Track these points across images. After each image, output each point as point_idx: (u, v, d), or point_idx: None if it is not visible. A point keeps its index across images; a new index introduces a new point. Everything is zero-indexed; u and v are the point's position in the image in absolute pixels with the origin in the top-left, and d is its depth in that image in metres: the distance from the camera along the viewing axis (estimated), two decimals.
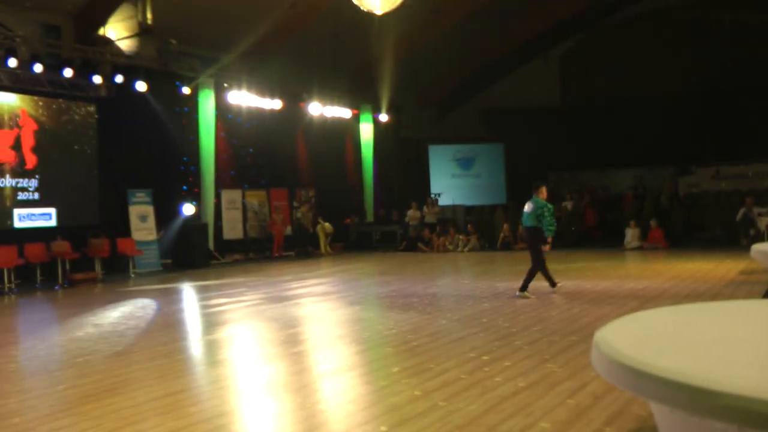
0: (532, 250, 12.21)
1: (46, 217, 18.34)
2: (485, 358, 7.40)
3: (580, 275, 15.01)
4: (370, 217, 28.21)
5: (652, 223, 21.55)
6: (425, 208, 25.68)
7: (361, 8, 13.69)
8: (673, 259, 17.82)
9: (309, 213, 24.46)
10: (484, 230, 24.22)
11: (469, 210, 27.66)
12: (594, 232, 25.30)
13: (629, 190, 27.39)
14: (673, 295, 11.63)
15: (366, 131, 28.80)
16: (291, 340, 9.12)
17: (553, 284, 12.23)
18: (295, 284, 15.73)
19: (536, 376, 6.58)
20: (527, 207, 12.12)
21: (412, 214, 25.50)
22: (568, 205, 24.28)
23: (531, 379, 6.45)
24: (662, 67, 28.95)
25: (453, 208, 27.56)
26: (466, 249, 23.36)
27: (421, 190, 29.20)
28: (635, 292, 12.14)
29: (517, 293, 11.91)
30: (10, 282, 16.48)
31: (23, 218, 17.90)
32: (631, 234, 21.68)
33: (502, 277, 15.47)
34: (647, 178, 29.57)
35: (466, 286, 14.25)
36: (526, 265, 16.69)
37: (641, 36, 29.60)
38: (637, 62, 29.49)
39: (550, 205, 12.03)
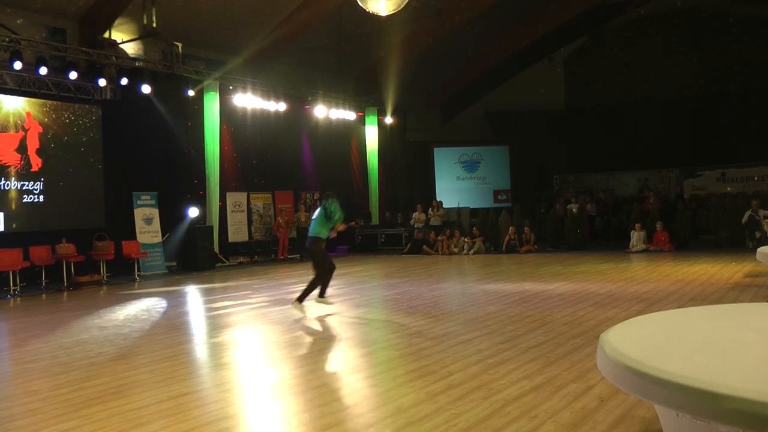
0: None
1: None
2: (490, 360, 7.39)
3: (585, 278, 14.99)
4: (375, 220, 28.20)
5: (658, 225, 21.51)
6: (430, 211, 25.68)
7: (366, 10, 13.70)
8: (678, 261, 17.80)
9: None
10: (489, 233, 24.20)
11: (474, 213, 27.66)
12: (598, 235, 25.30)
13: (648, 192, 27.18)
14: (679, 297, 11.60)
15: (371, 134, 28.77)
16: (296, 342, 9.12)
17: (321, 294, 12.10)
18: (300, 287, 15.63)
19: (541, 379, 6.57)
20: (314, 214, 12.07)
21: (417, 216, 25.52)
22: (573, 208, 24.25)
23: (536, 382, 6.44)
24: (667, 69, 28.93)
25: (458, 210, 27.55)
26: (471, 252, 23.35)
27: (426, 193, 29.20)
28: (640, 294, 12.11)
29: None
30: (15, 284, 16.50)
31: None
32: (636, 236, 21.66)
33: (508, 280, 15.44)
34: (652, 181, 29.48)
35: (471, 288, 14.23)
36: (532, 267, 16.72)
37: (646, 38, 29.57)
38: (641, 64, 29.48)
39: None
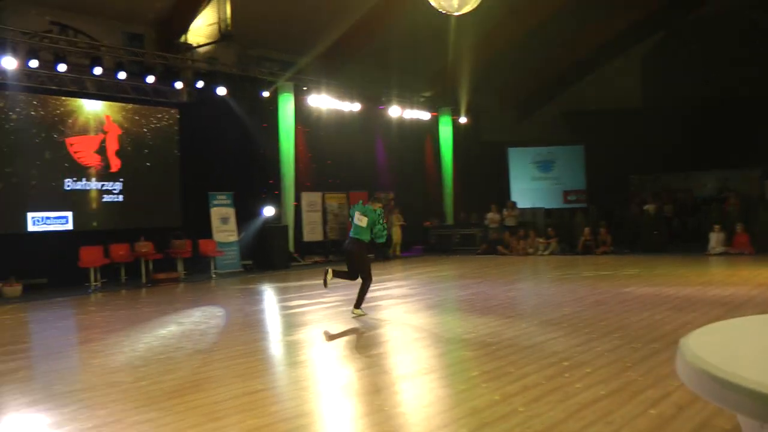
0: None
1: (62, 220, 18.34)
2: (566, 363, 7.29)
3: (663, 281, 14.68)
4: (449, 220, 28.12)
5: (738, 227, 20.92)
6: (505, 211, 25.50)
7: (439, 10, 13.65)
8: (760, 265, 17.23)
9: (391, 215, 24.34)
10: (564, 234, 23.93)
11: (548, 213, 27.38)
12: (675, 236, 24.82)
13: (728, 193, 26.46)
14: (761, 302, 11.27)
15: (445, 134, 28.69)
16: (370, 342, 9.14)
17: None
18: (374, 286, 15.68)
19: (618, 383, 6.44)
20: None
21: (491, 216, 25.36)
22: (650, 209, 23.82)
23: (612, 387, 6.32)
24: (748, 65, 28.15)
25: (533, 211, 27.30)
26: (547, 252, 23.12)
27: (500, 193, 28.99)
28: (720, 299, 11.80)
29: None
30: (96, 280, 16.97)
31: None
32: (716, 239, 21.08)
33: (583, 281, 15.24)
34: (732, 181, 28.75)
35: (547, 290, 14.11)
36: (607, 269, 16.50)
37: (726, 32, 28.79)
38: (722, 60, 28.69)
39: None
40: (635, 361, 7.30)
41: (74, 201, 18.22)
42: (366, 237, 11.40)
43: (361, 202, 11.85)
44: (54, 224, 17.78)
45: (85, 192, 18.41)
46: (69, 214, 18.11)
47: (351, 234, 11.52)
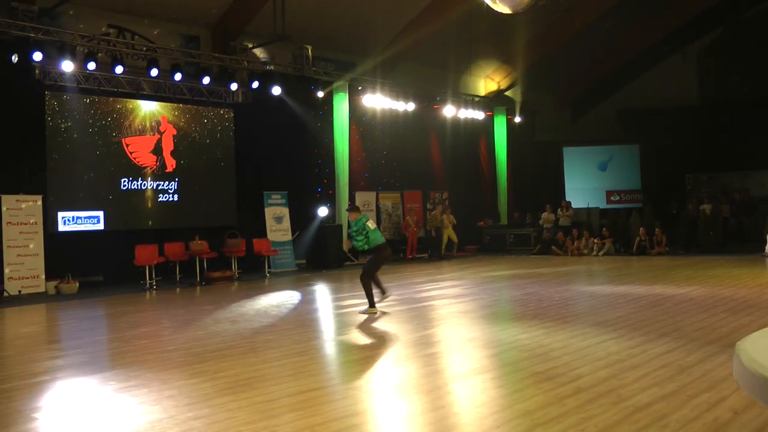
0: None
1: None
2: (620, 365, 7.19)
3: (718, 282, 14.44)
4: (504, 220, 27.98)
5: None
6: (559, 211, 25.33)
7: (494, 9, 13.59)
8: None
9: (443, 215, 24.29)
10: (619, 234, 23.67)
11: (603, 213, 27.11)
12: (732, 237, 24.41)
13: None
14: None
15: (500, 133, 28.54)
16: (423, 341, 9.12)
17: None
18: (428, 286, 15.73)
19: (672, 386, 6.34)
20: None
21: (546, 216, 25.20)
22: (707, 209, 23.44)
23: (667, 390, 6.22)
24: None
25: (587, 211, 27.06)
26: (601, 253, 22.89)
27: (555, 193, 28.78)
28: None
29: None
30: (151, 278, 17.20)
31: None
32: None
33: (638, 282, 15.06)
34: None
35: (601, 290, 13.96)
36: (663, 270, 16.28)
37: None
38: None
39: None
40: (690, 364, 7.18)
41: (131, 200, 18.49)
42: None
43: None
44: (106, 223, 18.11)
45: (140, 192, 18.68)
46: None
47: (381, 240, 11.90)
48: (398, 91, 23.74)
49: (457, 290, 14.73)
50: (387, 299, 12.02)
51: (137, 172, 18.64)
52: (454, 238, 24.29)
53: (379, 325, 10.67)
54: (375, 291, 11.78)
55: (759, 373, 2.66)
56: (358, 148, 23.53)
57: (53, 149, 17.18)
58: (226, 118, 20.55)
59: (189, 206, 19.57)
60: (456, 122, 26.19)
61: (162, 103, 19.19)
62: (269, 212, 20.66)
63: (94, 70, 17.12)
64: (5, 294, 15.16)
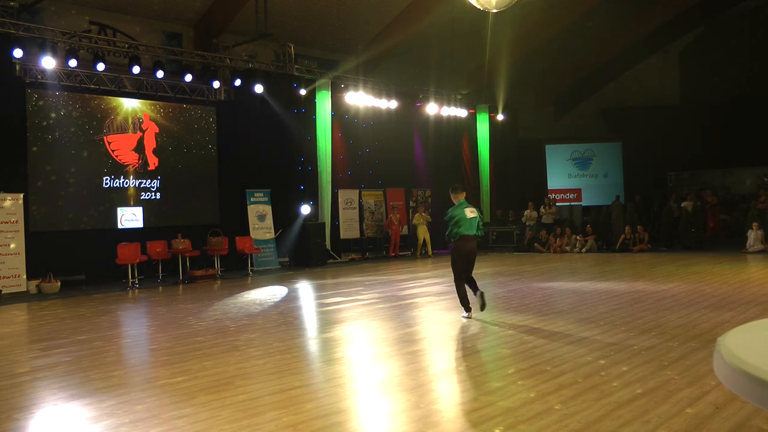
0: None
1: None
2: (602, 362, 7.23)
3: (700, 279, 14.54)
4: (486, 218, 28.03)
5: None
6: (542, 209, 25.39)
7: (477, 7, 13.60)
8: None
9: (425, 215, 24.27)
10: (601, 231, 23.76)
11: (586, 210, 27.20)
12: (714, 234, 24.57)
13: (761, 191, 26.06)
14: None
15: (483, 131, 28.60)
16: (406, 339, 9.12)
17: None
18: (410, 284, 15.75)
19: (654, 382, 6.39)
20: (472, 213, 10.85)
21: (528, 214, 25.27)
22: (688, 206, 23.56)
23: (649, 386, 6.26)
24: None
25: (570, 208, 27.14)
26: (584, 250, 22.98)
27: (537, 190, 28.86)
28: (758, 297, 11.66)
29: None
30: (133, 277, 17.14)
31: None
32: (754, 236, 20.81)
33: (620, 279, 15.13)
34: None
35: (584, 287, 14.00)
36: (645, 267, 16.35)
37: (766, 27, 28.36)
38: (761, 55, 28.29)
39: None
40: (672, 360, 7.23)
41: (112, 199, 18.40)
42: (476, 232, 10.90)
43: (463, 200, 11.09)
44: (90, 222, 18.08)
45: (123, 190, 18.60)
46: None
47: (468, 232, 10.83)
48: (381, 88, 23.75)
49: (440, 288, 14.74)
50: (481, 297, 10.74)
51: (119, 170, 18.56)
52: (427, 237, 24.14)
53: (363, 322, 10.68)
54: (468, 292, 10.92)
55: (740, 368, 2.68)
56: (341, 146, 23.52)
57: (34, 147, 17.08)
58: (209, 116, 20.50)
59: (171, 204, 19.52)
60: (439, 120, 26.25)
61: (144, 101, 19.11)
62: (252, 210, 20.64)
63: (75, 68, 17.04)
64: None
